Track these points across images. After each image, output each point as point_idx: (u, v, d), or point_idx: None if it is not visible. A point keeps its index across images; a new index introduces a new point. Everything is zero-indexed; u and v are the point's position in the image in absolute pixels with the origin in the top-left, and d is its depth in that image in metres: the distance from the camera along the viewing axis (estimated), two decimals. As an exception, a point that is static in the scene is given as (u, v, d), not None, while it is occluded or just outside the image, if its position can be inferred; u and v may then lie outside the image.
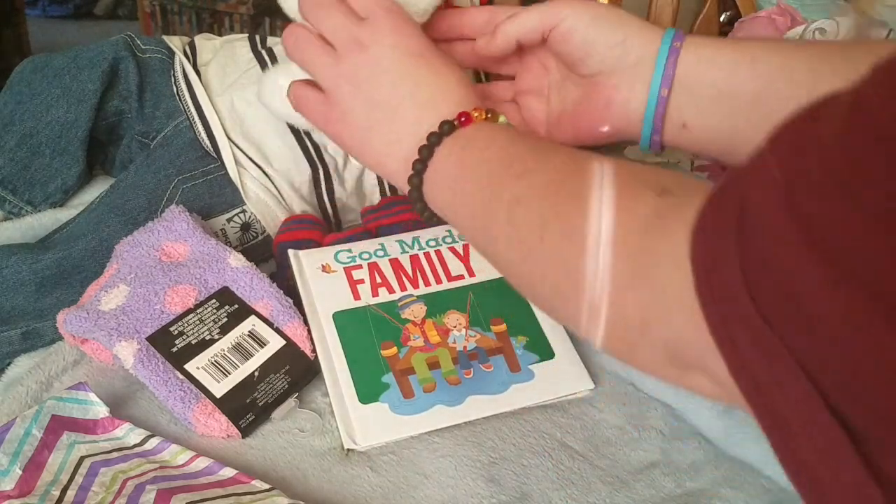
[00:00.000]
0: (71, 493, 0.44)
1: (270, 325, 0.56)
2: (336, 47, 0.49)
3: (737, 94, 0.47)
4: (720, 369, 0.27)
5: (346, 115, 0.49)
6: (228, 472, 0.46)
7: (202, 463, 0.47)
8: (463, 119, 0.45)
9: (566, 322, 0.39)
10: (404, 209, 0.66)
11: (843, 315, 0.22)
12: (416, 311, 0.58)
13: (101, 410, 0.49)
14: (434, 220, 0.48)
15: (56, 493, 0.44)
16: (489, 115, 0.46)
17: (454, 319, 0.58)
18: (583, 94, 0.53)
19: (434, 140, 0.45)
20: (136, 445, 0.48)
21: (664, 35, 0.49)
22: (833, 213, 0.22)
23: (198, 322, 0.55)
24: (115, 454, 0.47)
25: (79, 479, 0.45)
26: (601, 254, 0.33)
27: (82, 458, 0.46)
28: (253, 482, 0.46)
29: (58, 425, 0.47)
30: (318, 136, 0.69)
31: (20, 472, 0.44)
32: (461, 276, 0.61)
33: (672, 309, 0.30)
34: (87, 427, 0.48)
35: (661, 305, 0.31)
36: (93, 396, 0.49)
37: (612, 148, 0.94)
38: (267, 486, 0.45)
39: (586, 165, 0.38)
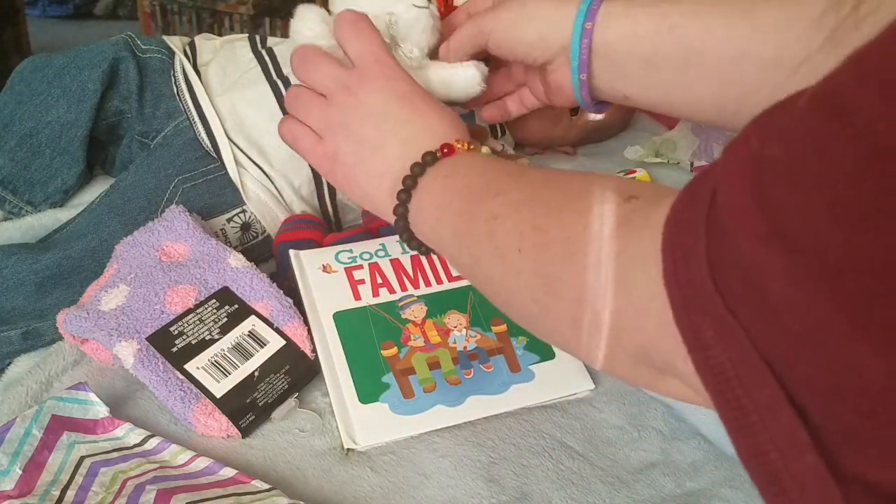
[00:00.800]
0: (71, 493, 0.44)
1: (270, 325, 0.56)
2: (327, 96, 0.52)
3: (662, 64, 0.49)
4: (689, 370, 0.27)
5: (335, 153, 0.51)
6: (228, 472, 0.46)
7: (202, 463, 0.47)
8: (445, 150, 0.47)
9: (547, 334, 0.39)
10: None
11: (806, 309, 0.22)
12: (417, 312, 0.58)
13: (101, 410, 0.49)
14: (422, 249, 0.49)
15: (56, 493, 0.44)
16: (472, 147, 0.47)
17: (455, 320, 0.58)
18: (545, 79, 0.57)
19: (418, 171, 0.47)
20: (136, 445, 0.48)
21: (576, 17, 0.51)
22: (796, 200, 0.22)
23: (198, 322, 0.55)
24: (115, 454, 0.47)
25: (79, 479, 0.45)
26: (590, 265, 0.33)
27: (82, 458, 0.46)
28: (253, 482, 0.46)
29: (58, 425, 0.47)
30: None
31: (20, 472, 0.44)
32: (462, 277, 0.61)
33: (641, 312, 0.30)
34: (87, 427, 0.48)
35: (632, 309, 0.31)
36: (93, 396, 0.49)
37: (612, 148, 0.94)
38: (267, 486, 0.45)
39: (560, 179, 0.40)
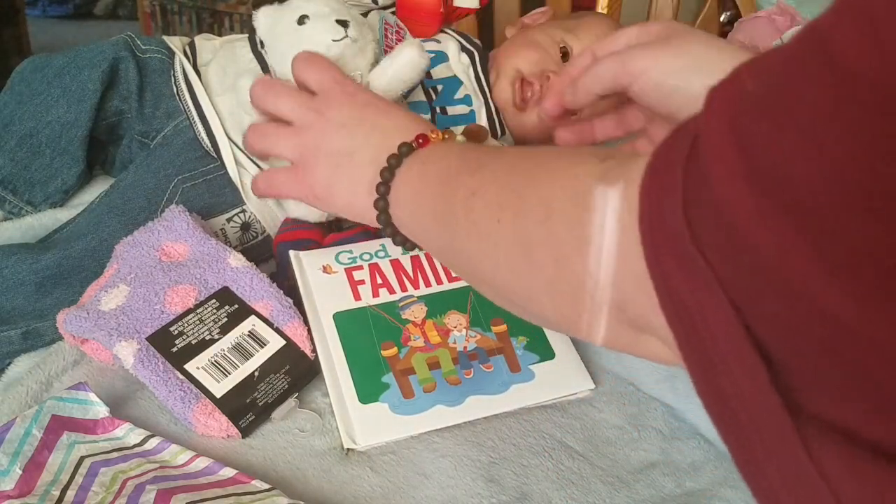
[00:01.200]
0: (71, 493, 0.44)
1: (270, 325, 0.56)
2: (295, 123, 0.53)
3: None
4: (663, 322, 0.26)
5: (312, 173, 0.52)
6: (228, 472, 0.46)
7: (202, 463, 0.47)
8: (420, 140, 0.47)
9: (526, 306, 0.38)
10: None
11: (775, 246, 0.21)
12: (417, 312, 0.58)
13: (101, 410, 0.49)
14: (407, 244, 0.49)
15: (56, 493, 0.44)
16: (446, 136, 0.47)
17: (455, 320, 0.58)
18: None
19: (394, 162, 0.47)
20: (136, 445, 0.48)
21: None
22: (771, 134, 0.22)
23: (198, 322, 0.55)
24: (115, 454, 0.47)
25: (79, 479, 0.45)
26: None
27: (82, 458, 0.46)
28: (253, 482, 0.46)
29: (58, 425, 0.47)
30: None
31: (20, 472, 0.44)
32: (461, 277, 0.61)
33: (619, 267, 0.30)
34: (87, 427, 0.48)
35: (608, 265, 0.30)
36: (93, 396, 0.49)
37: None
38: (267, 486, 0.45)
39: (537, 151, 0.40)
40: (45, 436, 0.46)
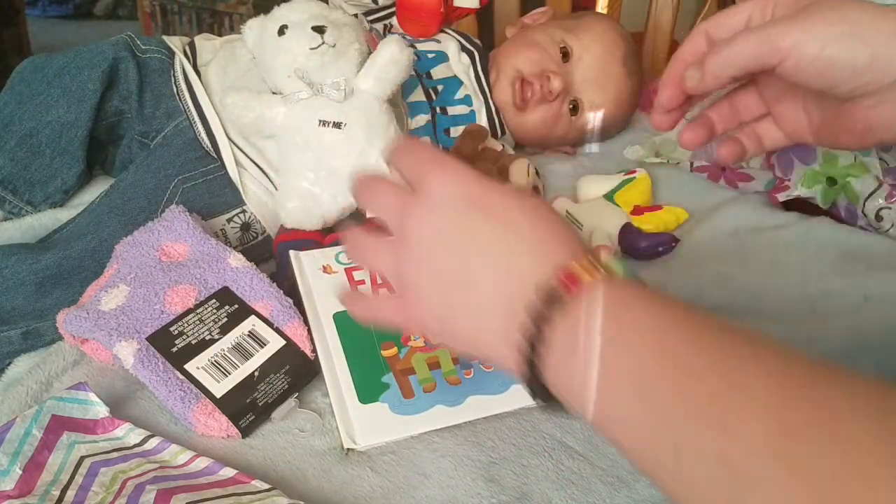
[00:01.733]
0: (71, 493, 0.44)
1: (270, 325, 0.56)
2: (393, 231, 0.41)
3: None
4: None
5: (420, 303, 0.39)
6: (228, 472, 0.46)
7: (202, 463, 0.47)
8: (566, 280, 0.33)
9: None
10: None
11: None
12: (416, 312, 0.58)
13: (101, 410, 0.49)
14: (557, 407, 0.36)
15: (56, 493, 0.44)
16: (600, 267, 0.34)
17: (454, 319, 0.58)
18: (842, 111, 0.44)
19: (537, 320, 0.33)
20: (136, 445, 0.48)
21: None
22: None
23: (198, 322, 0.55)
24: (115, 454, 0.47)
25: (79, 479, 0.45)
26: None
27: (82, 458, 0.46)
28: (253, 482, 0.46)
29: (58, 425, 0.47)
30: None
31: (20, 472, 0.44)
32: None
33: None
34: (87, 427, 0.48)
35: None
36: (93, 396, 0.49)
37: (612, 149, 0.94)
38: (267, 486, 0.46)
39: (806, 363, 0.27)
40: (45, 436, 0.46)
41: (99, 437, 0.48)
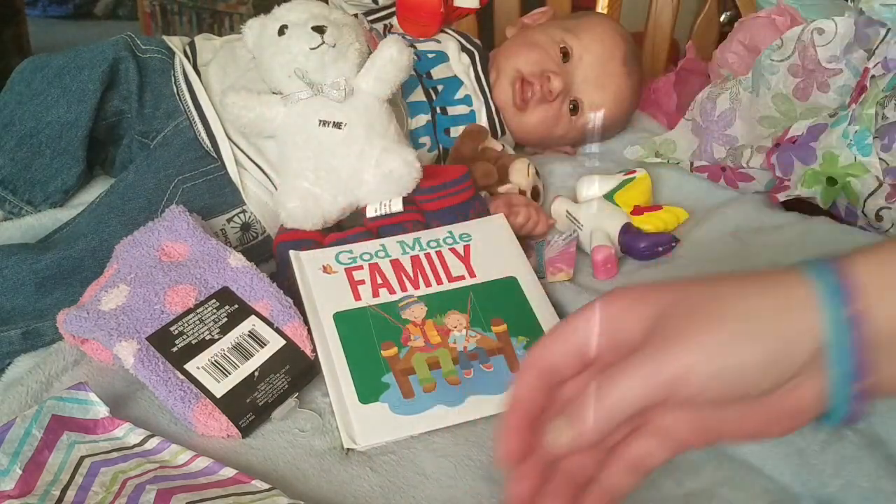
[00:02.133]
0: (71, 493, 0.44)
1: (270, 325, 0.56)
2: None
3: None
4: None
5: None
6: (228, 472, 0.46)
7: (202, 463, 0.47)
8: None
9: None
10: (405, 210, 0.66)
11: None
12: (417, 312, 0.58)
13: (101, 410, 0.49)
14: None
15: (56, 492, 0.44)
16: None
17: (455, 320, 0.58)
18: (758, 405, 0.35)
19: None
20: (136, 445, 0.48)
21: (822, 307, 0.32)
22: None
23: (198, 322, 0.55)
24: (115, 454, 0.47)
25: (79, 479, 0.45)
26: None
27: (82, 458, 0.46)
28: (253, 482, 0.46)
29: (58, 425, 0.47)
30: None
31: (20, 472, 0.44)
32: (462, 277, 0.61)
33: None
34: (87, 427, 0.48)
35: None
36: (93, 396, 0.49)
37: (612, 148, 0.94)
38: (267, 486, 0.45)
39: None
40: (45, 436, 0.46)
41: (99, 437, 0.48)
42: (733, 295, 0.34)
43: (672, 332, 0.33)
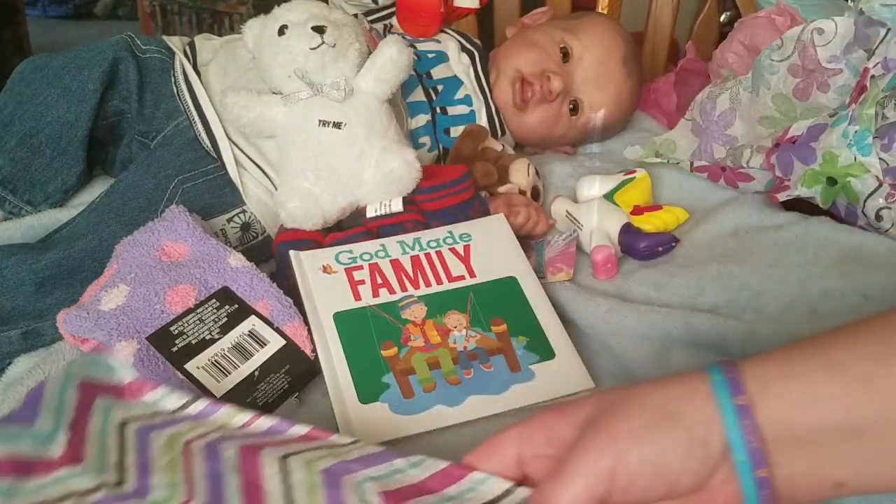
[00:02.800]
0: (130, 458, 0.40)
1: (270, 324, 0.56)
2: None
3: (868, 426, 0.34)
4: None
5: None
6: (301, 430, 0.42)
7: (267, 422, 0.42)
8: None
9: None
10: (405, 210, 0.66)
11: None
12: (417, 312, 0.58)
13: (126, 374, 0.45)
14: None
15: (112, 459, 0.40)
16: None
17: (455, 320, 0.58)
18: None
19: None
20: (176, 410, 0.44)
21: (716, 400, 0.35)
22: None
23: (198, 322, 0.55)
24: (157, 419, 0.43)
25: (129, 444, 0.41)
26: None
27: (124, 423, 0.42)
28: (331, 437, 0.42)
29: (89, 389, 0.43)
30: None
31: (66, 437, 0.40)
32: (462, 277, 0.61)
33: None
34: (116, 392, 0.44)
35: None
36: (115, 360, 0.45)
37: (612, 148, 0.94)
38: (351, 440, 0.41)
39: None
40: (80, 398, 0.42)
41: (130, 402, 0.44)
42: (648, 392, 0.36)
43: (601, 427, 0.36)
